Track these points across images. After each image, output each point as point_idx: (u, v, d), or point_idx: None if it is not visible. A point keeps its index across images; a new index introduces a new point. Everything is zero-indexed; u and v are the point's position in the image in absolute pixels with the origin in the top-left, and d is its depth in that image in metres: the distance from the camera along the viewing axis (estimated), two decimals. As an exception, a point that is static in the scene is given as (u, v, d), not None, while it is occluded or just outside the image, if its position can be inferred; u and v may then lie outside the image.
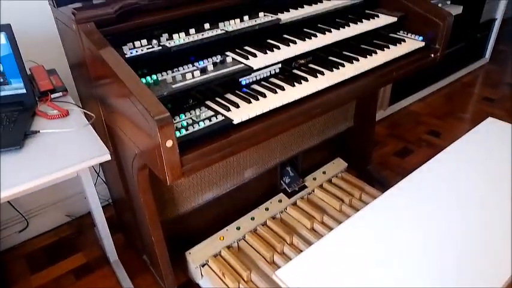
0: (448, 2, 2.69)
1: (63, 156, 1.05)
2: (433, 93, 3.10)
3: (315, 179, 2.01)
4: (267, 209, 1.82)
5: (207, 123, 1.03)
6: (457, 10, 2.70)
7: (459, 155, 1.28)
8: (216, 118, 1.05)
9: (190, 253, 1.58)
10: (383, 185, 2.11)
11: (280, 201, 1.87)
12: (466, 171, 1.20)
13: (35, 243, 1.87)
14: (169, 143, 0.89)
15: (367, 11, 1.59)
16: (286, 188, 1.91)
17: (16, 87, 1.23)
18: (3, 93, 1.22)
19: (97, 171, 1.77)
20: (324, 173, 2.05)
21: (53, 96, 1.29)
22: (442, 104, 2.97)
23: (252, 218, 1.76)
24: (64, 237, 1.90)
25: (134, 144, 1.06)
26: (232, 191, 1.66)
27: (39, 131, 1.12)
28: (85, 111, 1.25)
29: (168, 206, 1.47)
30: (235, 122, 1.06)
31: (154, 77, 1.10)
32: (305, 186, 1.96)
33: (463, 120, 2.78)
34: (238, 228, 1.71)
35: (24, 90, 1.23)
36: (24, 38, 1.34)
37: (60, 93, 1.31)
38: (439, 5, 2.62)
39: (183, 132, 0.99)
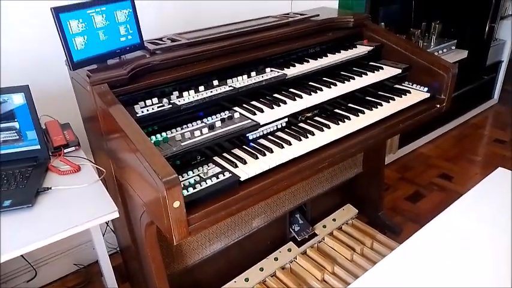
0: (453, 47, 2.75)
1: (73, 213, 1.07)
2: (443, 135, 3.09)
3: (324, 226, 1.98)
4: (276, 259, 1.79)
5: (215, 180, 1.04)
6: (462, 54, 2.75)
7: (470, 206, 1.26)
8: (224, 175, 1.07)
9: (197, 307, 1.55)
10: (395, 232, 2.07)
11: (289, 250, 1.84)
12: (479, 225, 1.17)
13: (42, 293, 1.85)
14: (176, 204, 0.90)
15: (371, 63, 1.63)
16: (296, 236, 1.88)
17: (31, 144, 1.27)
18: (18, 149, 1.26)
19: (106, 221, 1.78)
20: (334, 220, 2.02)
21: (66, 150, 1.33)
22: (452, 146, 2.95)
23: (261, 269, 1.73)
24: (71, 287, 1.88)
25: (142, 201, 1.07)
26: (240, 240, 1.65)
27: (50, 188, 1.15)
28: (96, 166, 1.28)
29: (175, 258, 1.46)
30: (242, 178, 1.07)
31: (164, 134, 1.13)
32: (315, 234, 1.93)
33: (475, 163, 2.75)
34: (246, 280, 1.68)
35: (38, 146, 1.28)
36: (41, 93, 1.41)
37: (73, 147, 1.35)
38: (445, 50, 2.68)
39: (191, 190, 1.00)
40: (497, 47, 3.26)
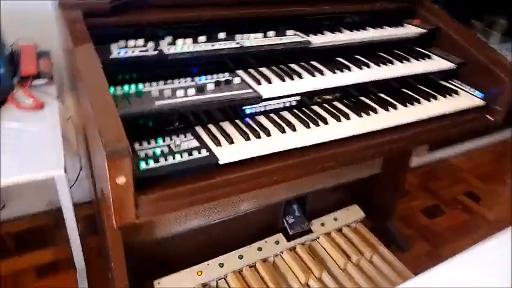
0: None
1: (12, 160, 0.88)
2: (480, 149, 2.75)
3: (323, 224, 1.75)
4: (259, 249, 1.59)
5: (186, 157, 0.82)
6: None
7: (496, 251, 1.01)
8: (199, 153, 0.84)
9: (159, 283, 1.39)
10: (402, 247, 1.83)
11: (277, 242, 1.63)
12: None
13: (6, 227, 1.74)
14: (120, 180, 0.69)
15: (418, 49, 1.33)
16: (288, 228, 1.67)
17: (-7, 66, 1.08)
18: (-23, 71, 1.08)
19: (81, 165, 1.61)
20: (336, 219, 1.79)
21: (36, 82, 1.13)
22: (487, 163, 2.62)
23: (240, 257, 1.54)
24: (38, 225, 1.77)
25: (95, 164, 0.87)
26: (223, 220, 1.45)
27: (-1, 124, 0.96)
28: (62, 107, 1.08)
29: (141, 227, 1.28)
30: (221, 162, 0.84)
31: (139, 86, 0.91)
32: (310, 231, 1.71)
33: (509, 187, 2.43)
34: (221, 265, 1.49)
35: (2, 70, 1.08)
36: (26, 14, 1.21)
37: (46, 79, 1.15)
38: (505, 51, 2.29)
39: (151, 164, 0.79)
40: None
